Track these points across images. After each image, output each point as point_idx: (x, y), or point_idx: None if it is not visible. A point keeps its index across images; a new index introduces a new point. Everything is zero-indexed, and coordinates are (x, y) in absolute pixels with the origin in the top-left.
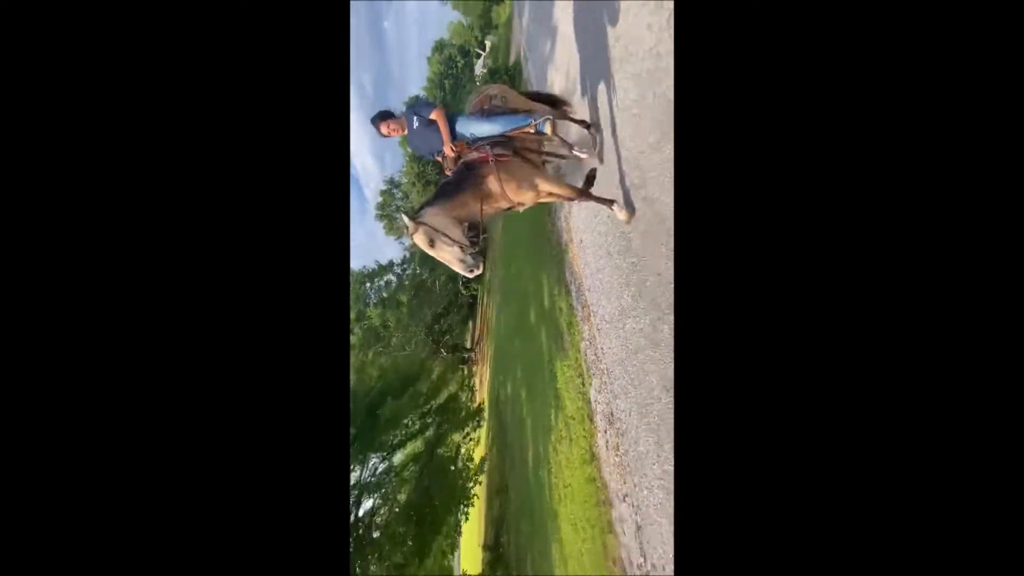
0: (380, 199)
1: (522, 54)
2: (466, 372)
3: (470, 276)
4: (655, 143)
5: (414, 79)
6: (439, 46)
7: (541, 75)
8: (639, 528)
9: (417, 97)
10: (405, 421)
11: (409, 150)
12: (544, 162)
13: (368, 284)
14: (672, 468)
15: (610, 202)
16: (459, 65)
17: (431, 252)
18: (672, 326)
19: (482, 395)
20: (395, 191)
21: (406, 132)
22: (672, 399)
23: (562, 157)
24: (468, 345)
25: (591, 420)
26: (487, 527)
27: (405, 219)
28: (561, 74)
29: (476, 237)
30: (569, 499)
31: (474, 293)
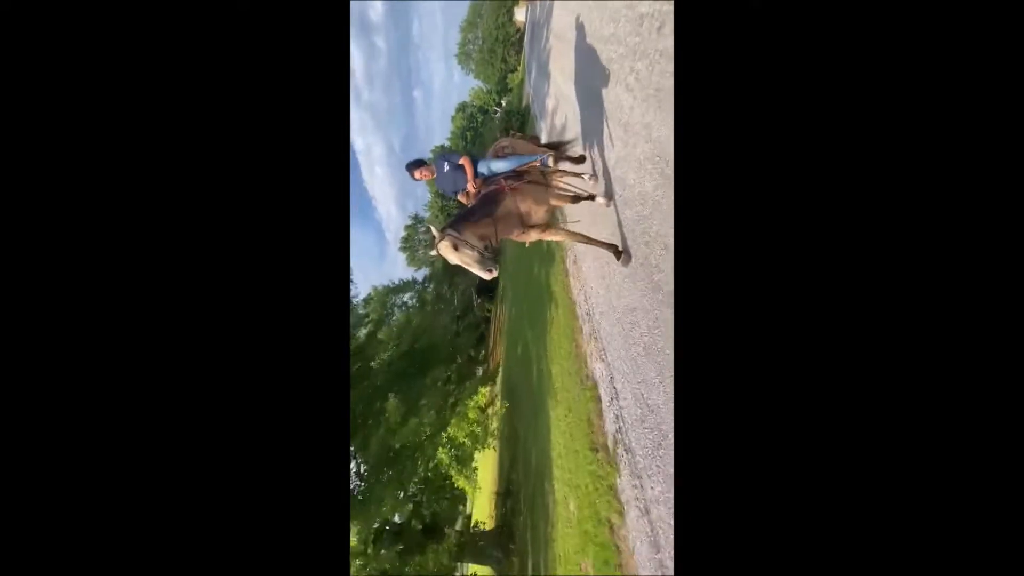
0: (404, 233)
1: (529, 101)
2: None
3: (488, 277)
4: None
5: (437, 138)
6: (462, 107)
7: (544, 116)
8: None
9: (443, 147)
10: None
11: (435, 190)
12: (552, 193)
13: (393, 297)
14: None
15: (592, 197)
16: (479, 120)
17: (454, 257)
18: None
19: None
20: (419, 226)
21: (435, 176)
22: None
23: (569, 190)
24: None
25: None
26: (499, 476)
27: (433, 230)
28: (559, 114)
29: (492, 248)
30: (557, 384)
31: (488, 310)
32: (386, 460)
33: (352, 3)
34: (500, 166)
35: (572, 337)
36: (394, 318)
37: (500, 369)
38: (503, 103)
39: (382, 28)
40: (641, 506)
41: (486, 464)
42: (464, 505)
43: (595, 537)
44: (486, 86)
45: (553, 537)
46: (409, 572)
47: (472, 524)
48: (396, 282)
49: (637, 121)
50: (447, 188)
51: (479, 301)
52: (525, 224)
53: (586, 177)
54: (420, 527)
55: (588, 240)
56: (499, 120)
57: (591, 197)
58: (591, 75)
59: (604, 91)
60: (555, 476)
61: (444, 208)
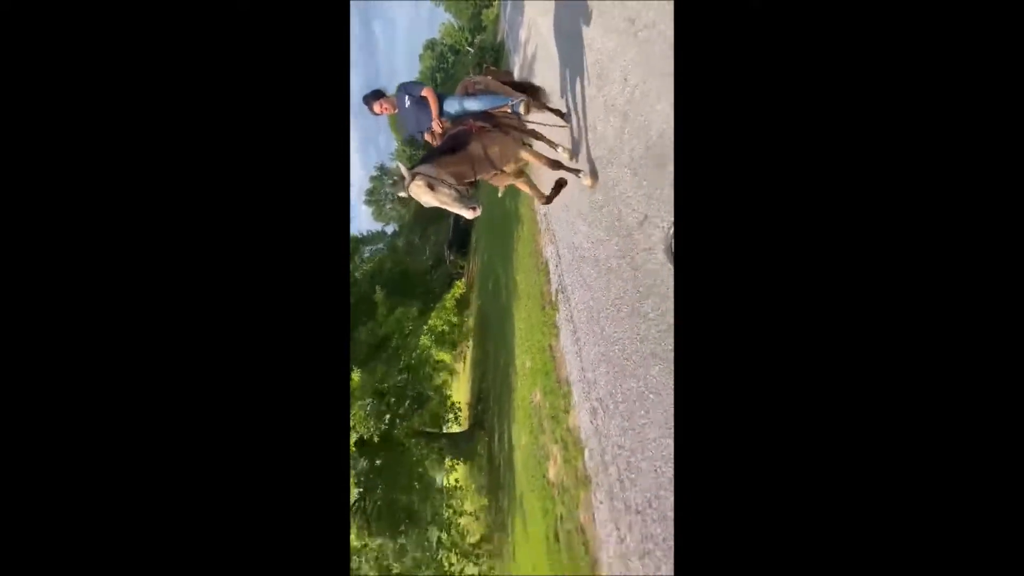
0: (370, 185)
1: (504, 37)
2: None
3: (471, 216)
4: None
5: (402, 78)
6: (431, 44)
7: (517, 51)
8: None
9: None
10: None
11: (400, 136)
12: (523, 141)
13: (362, 249)
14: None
15: (577, 171)
16: (449, 61)
17: (430, 198)
18: None
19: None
20: (384, 177)
21: (397, 111)
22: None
23: (539, 136)
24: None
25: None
26: (471, 391)
27: (403, 169)
28: (537, 60)
29: (470, 184)
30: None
31: (461, 267)
32: (376, 346)
33: None
34: (470, 105)
35: (534, 249)
36: (365, 267)
37: (473, 298)
38: (476, 41)
39: None
40: (569, 325)
41: (460, 390)
42: (446, 387)
43: (542, 368)
44: (458, 22)
45: (514, 389)
46: (397, 434)
47: (448, 413)
48: (364, 233)
49: (613, 61)
50: (410, 126)
51: (452, 258)
52: (498, 167)
53: (561, 150)
54: (408, 398)
55: (559, 166)
56: (472, 59)
57: (576, 172)
58: (569, 11)
59: (582, 29)
60: (516, 347)
61: (412, 157)
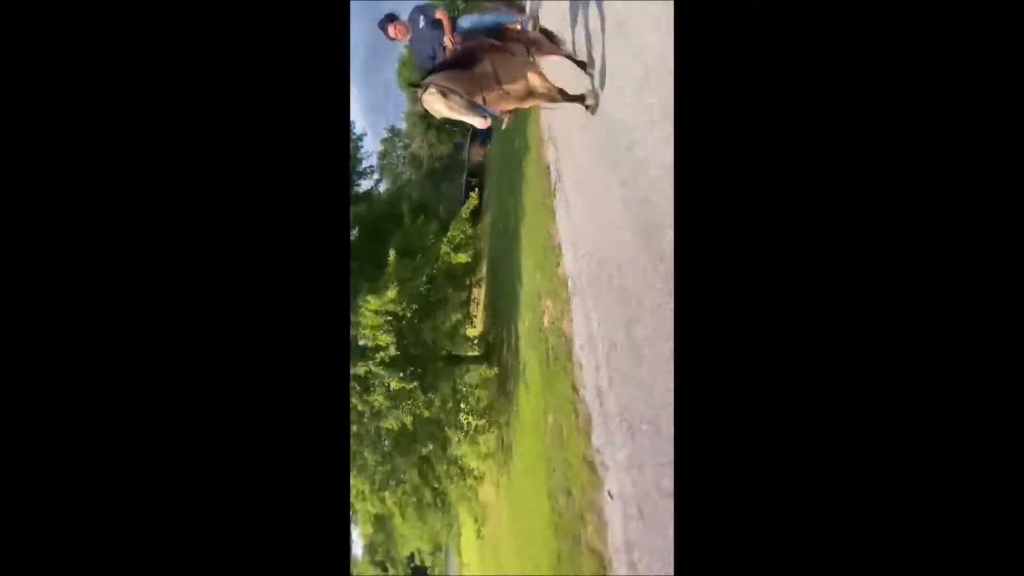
0: (381, 147)
1: None
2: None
3: (482, 125)
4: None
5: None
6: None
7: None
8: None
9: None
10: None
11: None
12: (530, 62)
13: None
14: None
15: (582, 97)
16: None
17: (443, 107)
18: None
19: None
20: (395, 139)
21: (411, 35)
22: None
23: (550, 52)
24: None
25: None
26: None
27: (417, 88)
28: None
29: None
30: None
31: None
32: (402, 253)
33: None
34: (481, 20)
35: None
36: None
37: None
38: None
39: None
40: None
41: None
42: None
43: (549, 283)
44: None
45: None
46: (425, 329)
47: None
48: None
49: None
50: (424, 50)
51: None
52: (504, 87)
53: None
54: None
55: (563, 94)
56: None
57: (581, 98)
58: None
59: None
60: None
61: (423, 118)
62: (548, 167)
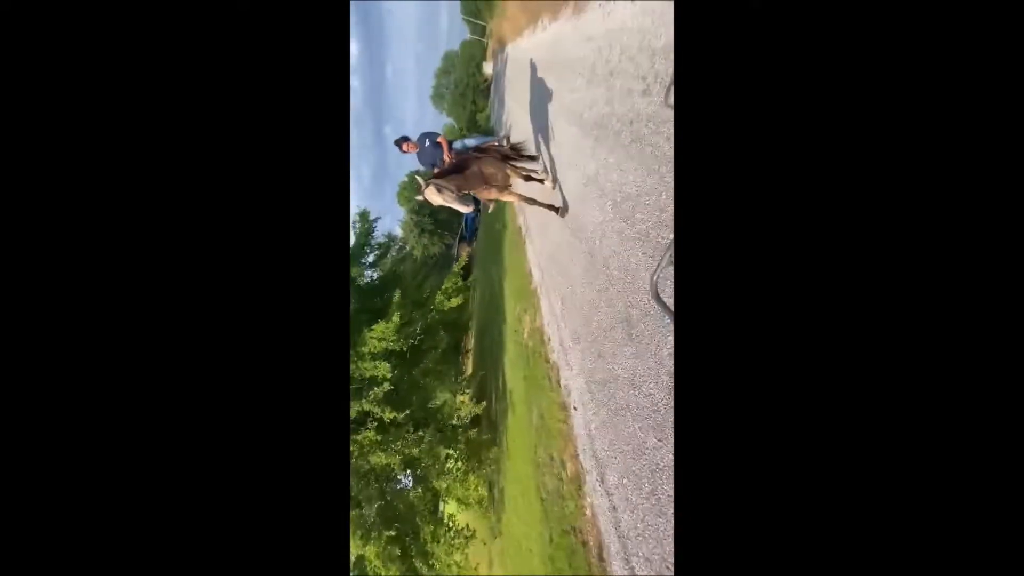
0: (434, 81)
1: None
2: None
3: (466, 211)
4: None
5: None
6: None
7: (500, 127)
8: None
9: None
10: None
11: (408, 207)
12: (507, 164)
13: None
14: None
15: (541, 180)
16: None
17: (438, 199)
18: None
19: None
20: (392, 243)
21: (418, 150)
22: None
23: (525, 167)
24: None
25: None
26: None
27: (420, 180)
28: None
29: (467, 193)
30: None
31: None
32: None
33: None
34: (469, 142)
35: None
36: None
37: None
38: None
39: (357, 69)
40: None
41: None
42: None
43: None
44: (456, 124)
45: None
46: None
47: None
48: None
49: (569, 141)
50: (426, 161)
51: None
52: (487, 183)
53: (538, 173)
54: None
55: (533, 201)
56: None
57: (540, 181)
58: (538, 105)
59: (549, 117)
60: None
61: (418, 223)
62: (523, 238)
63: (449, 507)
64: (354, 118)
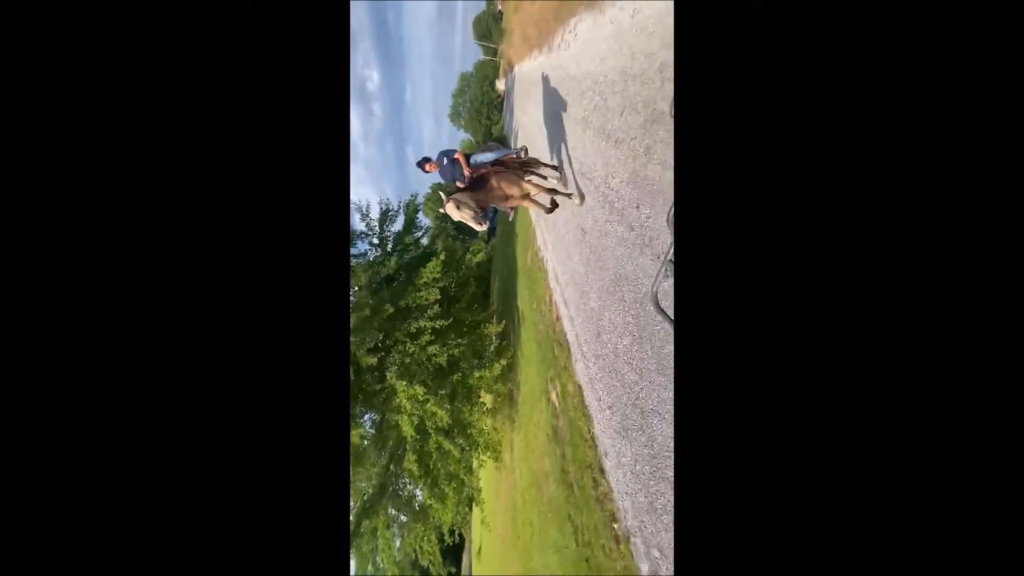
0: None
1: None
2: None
3: (480, 229)
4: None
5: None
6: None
7: (513, 137)
8: None
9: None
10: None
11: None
12: (523, 176)
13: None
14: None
15: (569, 194)
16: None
17: (457, 214)
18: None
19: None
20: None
21: (439, 168)
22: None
23: (542, 176)
24: None
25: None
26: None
27: (442, 196)
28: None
29: (484, 209)
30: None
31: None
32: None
33: (352, 75)
34: (487, 157)
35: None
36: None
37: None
38: None
39: (378, 96)
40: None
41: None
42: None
43: (533, 285)
44: (473, 138)
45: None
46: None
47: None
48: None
49: (576, 144)
50: (447, 177)
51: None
52: (506, 197)
53: (554, 179)
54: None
55: (553, 191)
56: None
57: (568, 195)
58: (551, 114)
59: (563, 123)
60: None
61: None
62: (533, 231)
63: (482, 398)
64: (375, 140)
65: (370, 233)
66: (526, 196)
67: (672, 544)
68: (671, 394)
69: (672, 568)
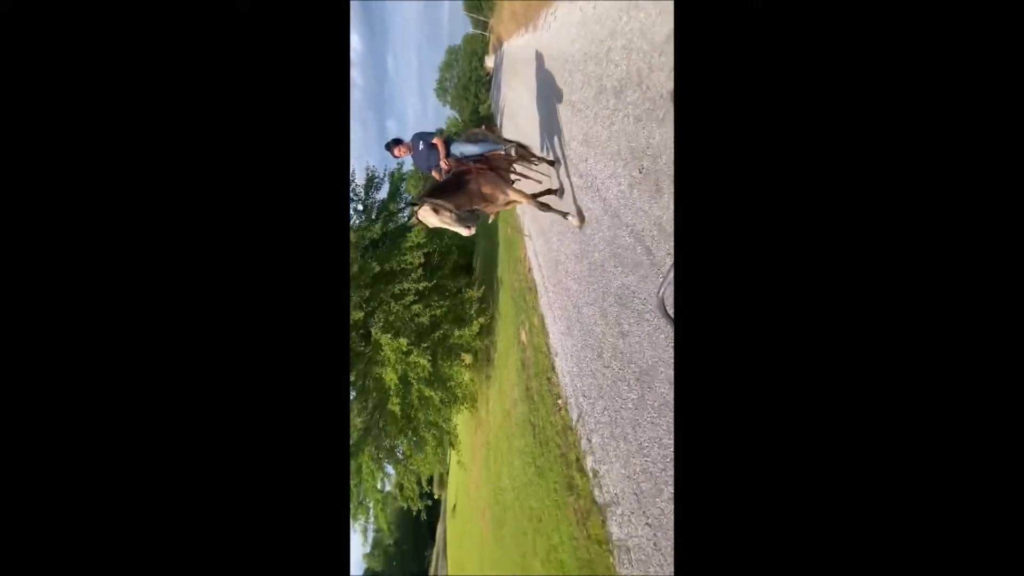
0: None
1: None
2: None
3: (467, 234)
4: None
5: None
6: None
7: (502, 118)
8: None
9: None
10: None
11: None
12: (513, 180)
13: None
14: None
15: (565, 214)
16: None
17: (435, 220)
18: None
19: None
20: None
21: (412, 153)
22: None
23: (536, 180)
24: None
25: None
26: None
27: (415, 206)
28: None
29: (468, 211)
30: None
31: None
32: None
33: None
34: (471, 150)
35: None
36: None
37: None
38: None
39: (359, 63)
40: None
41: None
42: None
43: (512, 250)
44: (460, 117)
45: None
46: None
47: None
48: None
49: (566, 130)
50: (422, 164)
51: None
52: (487, 202)
53: (547, 177)
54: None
55: (545, 206)
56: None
57: (564, 215)
58: (543, 95)
59: (556, 105)
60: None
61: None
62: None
63: (462, 357)
64: (355, 113)
65: (355, 199)
66: (510, 204)
67: (594, 391)
68: (602, 292)
69: (587, 414)
